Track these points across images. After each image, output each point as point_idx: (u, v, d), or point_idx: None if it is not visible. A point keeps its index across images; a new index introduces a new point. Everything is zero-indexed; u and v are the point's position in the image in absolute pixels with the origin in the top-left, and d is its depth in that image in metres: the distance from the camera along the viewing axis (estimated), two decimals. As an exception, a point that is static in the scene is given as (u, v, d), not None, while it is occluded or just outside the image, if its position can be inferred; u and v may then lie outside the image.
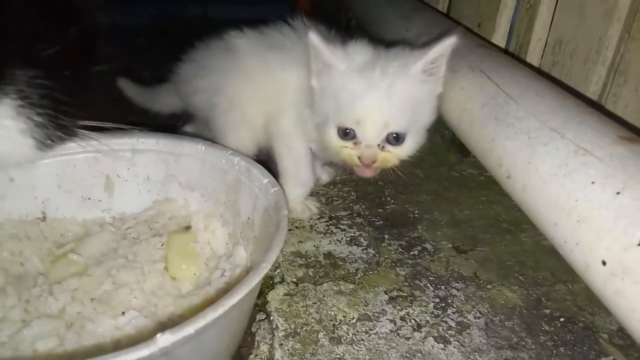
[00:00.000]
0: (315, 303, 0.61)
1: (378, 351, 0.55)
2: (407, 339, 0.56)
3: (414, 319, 0.59)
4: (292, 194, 0.74)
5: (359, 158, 0.64)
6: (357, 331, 0.57)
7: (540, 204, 0.49)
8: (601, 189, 0.42)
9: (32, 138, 0.42)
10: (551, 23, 0.76)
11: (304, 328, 0.57)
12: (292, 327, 0.57)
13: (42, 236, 0.62)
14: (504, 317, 0.60)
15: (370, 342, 0.56)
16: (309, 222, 0.76)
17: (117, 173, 0.66)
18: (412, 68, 0.63)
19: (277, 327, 0.57)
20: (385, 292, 0.63)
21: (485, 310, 0.61)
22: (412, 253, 0.71)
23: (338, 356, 0.54)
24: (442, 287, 0.65)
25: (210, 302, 0.40)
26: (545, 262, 0.69)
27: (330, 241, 0.73)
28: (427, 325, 0.58)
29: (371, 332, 0.57)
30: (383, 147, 0.64)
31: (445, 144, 0.99)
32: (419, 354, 0.55)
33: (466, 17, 0.96)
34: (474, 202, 0.83)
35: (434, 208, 0.81)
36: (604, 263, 0.40)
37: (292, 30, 0.74)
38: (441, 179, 0.89)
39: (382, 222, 0.77)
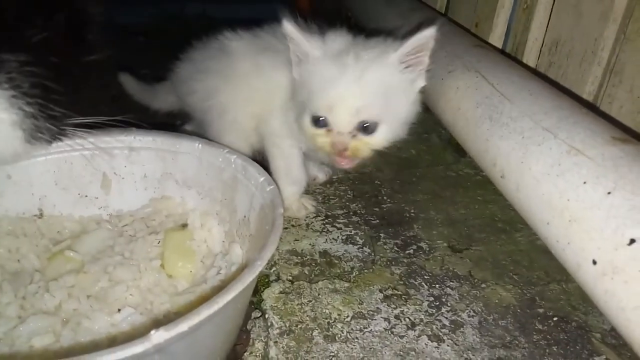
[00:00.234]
0: (310, 301, 0.61)
1: (372, 349, 0.55)
2: (401, 337, 0.57)
3: (408, 318, 0.60)
4: (285, 192, 0.74)
5: (332, 147, 0.64)
6: (352, 329, 0.57)
7: (533, 203, 0.50)
8: (593, 189, 0.43)
9: (21, 130, 0.40)
10: (548, 23, 0.77)
11: (299, 326, 0.57)
12: (287, 325, 0.57)
13: (39, 233, 0.62)
14: (497, 316, 0.61)
15: (365, 340, 0.56)
16: (305, 220, 0.77)
17: (114, 170, 0.67)
18: (388, 58, 0.62)
19: (272, 324, 0.57)
20: (380, 291, 0.63)
21: (479, 309, 0.61)
22: (407, 252, 0.71)
23: (332, 354, 0.54)
24: (437, 285, 0.65)
25: (206, 300, 0.40)
26: (540, 262, 0.69)
27: (326, 239, 0.73)
28: (421, 323, 0.59)
29: (365, 330, 0.57)
30: (355, 136, 0.63)
31: (441, 143, 0.99)
32: (413, 352, 0.55)
33: (464, 16, 0.97)
34: (470, 201, 0.83)
35: (429, 207, 0.81)
36: (594, 262, 0.41)
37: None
38: (437, 178, 0.90)
39: (378, 220, 0.78)
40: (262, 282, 0.64)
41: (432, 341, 0.56)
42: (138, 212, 0.67)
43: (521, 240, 0.74)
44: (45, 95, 0.40)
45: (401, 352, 0.55)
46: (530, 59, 0.80)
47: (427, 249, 0.72)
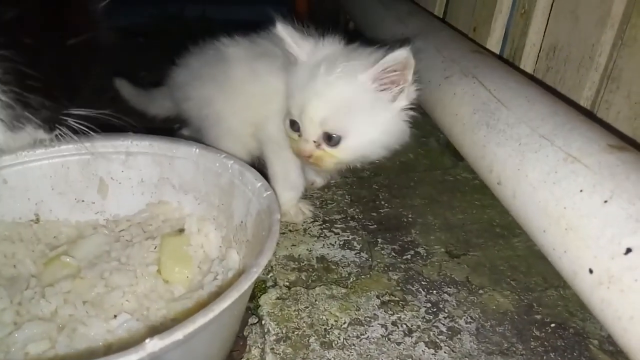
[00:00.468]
0: (307, 307, 0.61)
1: (369, 356, 0.55)
2: (398, 343, 0.57)
3: (405, 324, 0.59)
4: (283, 197, 0.74)
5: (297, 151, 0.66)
6: (349, 336, 0.57)
7: (530, 210, 0.50)
8: (589, 197, 0.43)
9: None
10: (545, 29, 0.77)
11: (296, 332, 0.57)
12: (284, 332, 0.57)
13: (35, 238, 0.62)
14: (495, 323, 0.60)
15: (361, 347, 0.56)
16: (302, 225, 0.77)
17: (110, 175, 0.67)
18: (357, 78, 0.61)
19: (268, 331, 0.57)
20: (377, 297, 0.63)
21: (477, 316, 0.61)
22: (404, 257, 0.71)
23: (329, 360, 0.54)
24: (434, 291, 0.65)
25: (202, 306, 0.40)
26: (537, 268, 0.69)
27: (324, 245, 0.73)
28: (419, 330, 0.59)
29: (362, 336, 0.57)
30: (319, 145, 0.64)
31: (439, 148, 0.99)
32: (410, 359, 0.55)
33: (461, 21, 0.97)
34: (468, 206, 0.83)
35: (427, 212, 0.81)
36: (591, 271, 0.41)
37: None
38: (435, 182, 0.90)
39: (375, 225, 0.78)
40: (259, 288, 0.64)
41: (429, 348, 0.56)
42: (135, 217, 0.67)
43: (519, 246, 0.74)
44: (20, 82, 0.37)
45: (398, 359, 0.55)
46: (527, 64, 0.80)
47: (425, 254, 0.72)
